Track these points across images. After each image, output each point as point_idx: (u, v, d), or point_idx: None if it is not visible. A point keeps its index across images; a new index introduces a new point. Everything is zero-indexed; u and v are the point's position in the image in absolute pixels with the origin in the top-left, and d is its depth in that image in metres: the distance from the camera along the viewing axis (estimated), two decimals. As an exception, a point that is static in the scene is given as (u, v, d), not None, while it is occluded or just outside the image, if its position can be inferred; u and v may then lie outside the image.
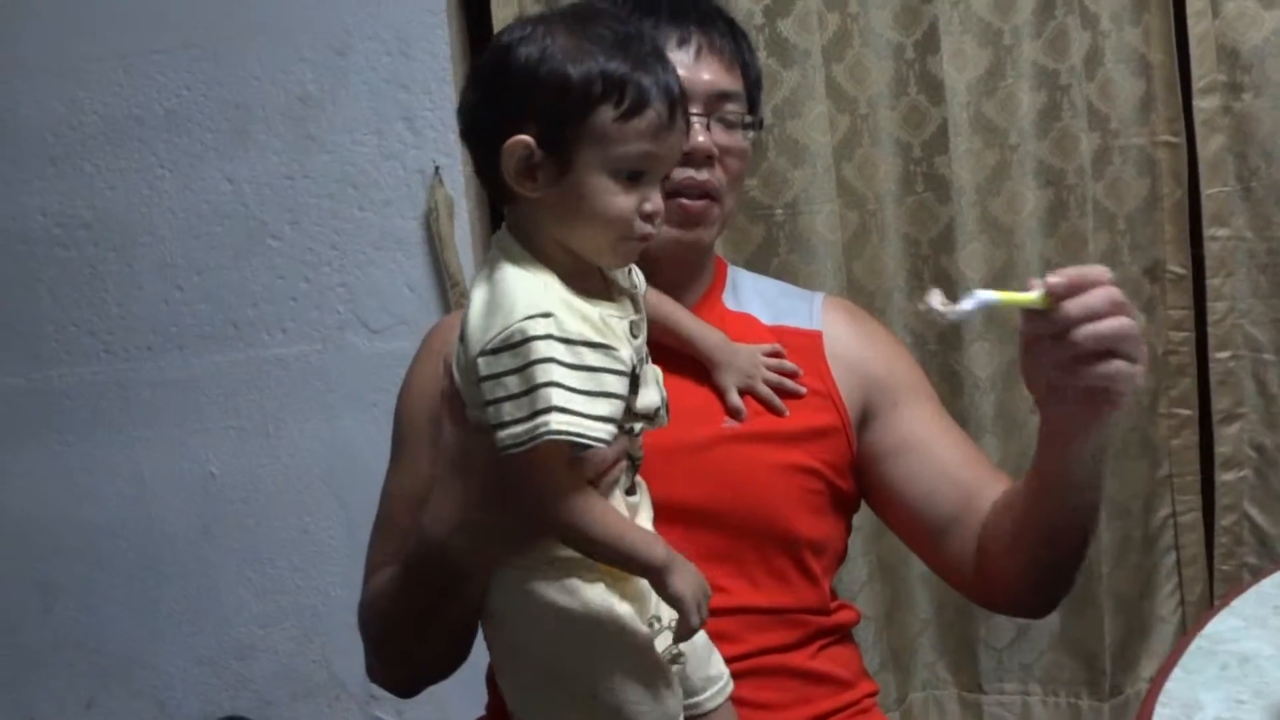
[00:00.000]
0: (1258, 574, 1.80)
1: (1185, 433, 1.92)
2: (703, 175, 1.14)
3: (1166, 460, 1.93)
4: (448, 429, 0.96)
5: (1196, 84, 1.81)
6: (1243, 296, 1.86)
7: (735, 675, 1.03)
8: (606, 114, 0.87)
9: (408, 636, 1.07)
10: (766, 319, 1.22)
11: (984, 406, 1.88)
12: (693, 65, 1.14)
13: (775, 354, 1.17)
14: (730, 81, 1.17)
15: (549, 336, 0.85)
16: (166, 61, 2.07)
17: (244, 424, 2.12)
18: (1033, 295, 0.90)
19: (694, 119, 1.12)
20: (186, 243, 2.10)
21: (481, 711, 1.22)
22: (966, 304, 0.90)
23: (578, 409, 0.84)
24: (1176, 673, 0.90)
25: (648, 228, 0.90)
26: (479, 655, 1.15)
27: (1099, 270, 0.90)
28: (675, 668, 0.96)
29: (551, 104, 0.87)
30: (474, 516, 0.94)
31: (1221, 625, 0.99)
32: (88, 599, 2.20)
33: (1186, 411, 1.91)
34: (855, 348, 1.23)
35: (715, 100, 1.16)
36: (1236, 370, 1.87)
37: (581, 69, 0.87)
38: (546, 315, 0.85)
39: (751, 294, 1.26)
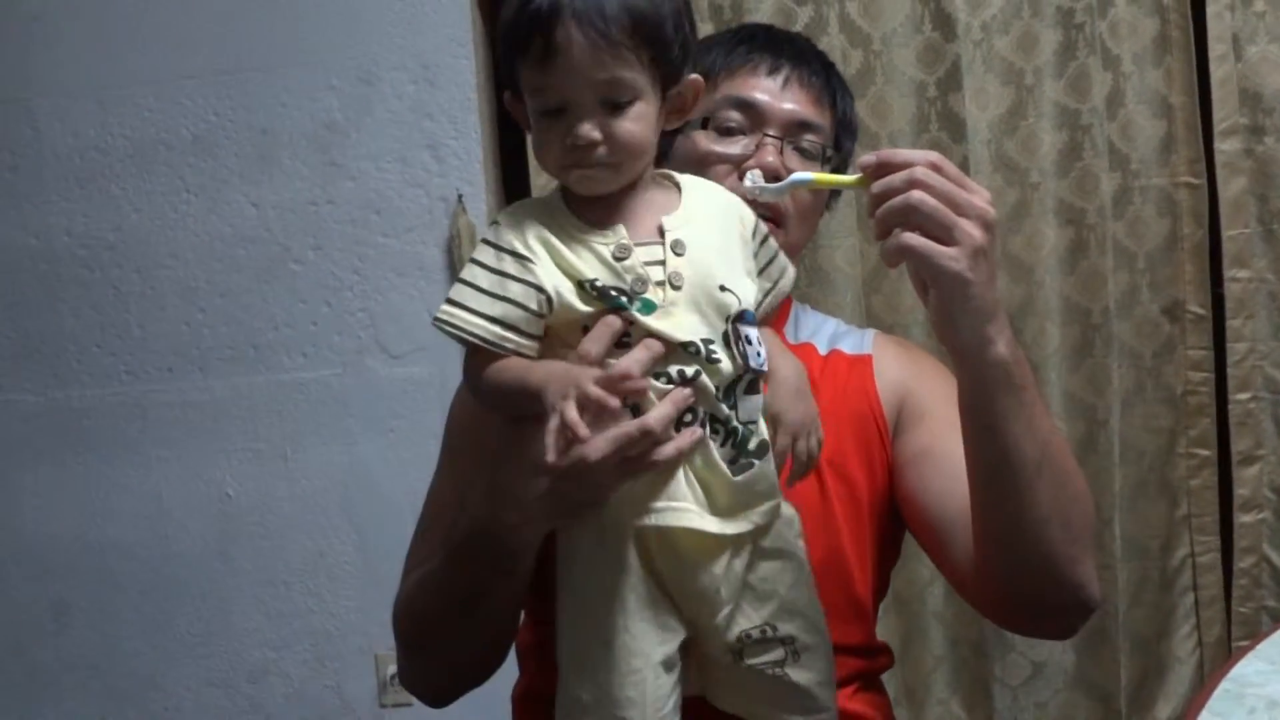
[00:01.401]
0: (1279, 617, 1.80)
1: (1204, 473, 1.92)
2: None
3: (1185, 500, 1.92)
4: None
5: (1218, 126, 1.82)
6: (1263, 338, 1.86)
7: None
8: (516, 60, 0.92)
9: (453, 625, 1.05)
10: (822, 349, 1.24)
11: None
12: (778, 92, 1.19)
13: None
14: (814, 114, 1.20)
15: (484, 240, 0.95)
16: (195, 87, 2.10)
17: (262, 447, 2.13)
18: (850, 177, 0.96)
19: (769, 141, 1.16)
20: (209, 266, 2.12)
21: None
22: (781, 183, 1.00)
23: (468, 303, 0.92)
24: (1204, 715, 0.90)
25: (576, 157, 0.92)
26: (498, 682, 1.15)
27: (915, 152, 0.92)
28: (776, 672, 0.96)
29: (501, 62, 0.96)
30: (527, 487, 0.93)
31: (1248, 668, 0.98)
32: (101, 619, 2.20)
33: (1205, 452, 1.91)
34: (900, 367, 1.24)
35: (794, 127, 1.18)
36: (1256, 412, 1.87)
37: (502, 23, 0.93)
38: (495, 223, 0.96)
39: (811, 329, 1.27)
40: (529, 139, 1.97)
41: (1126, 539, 1.90)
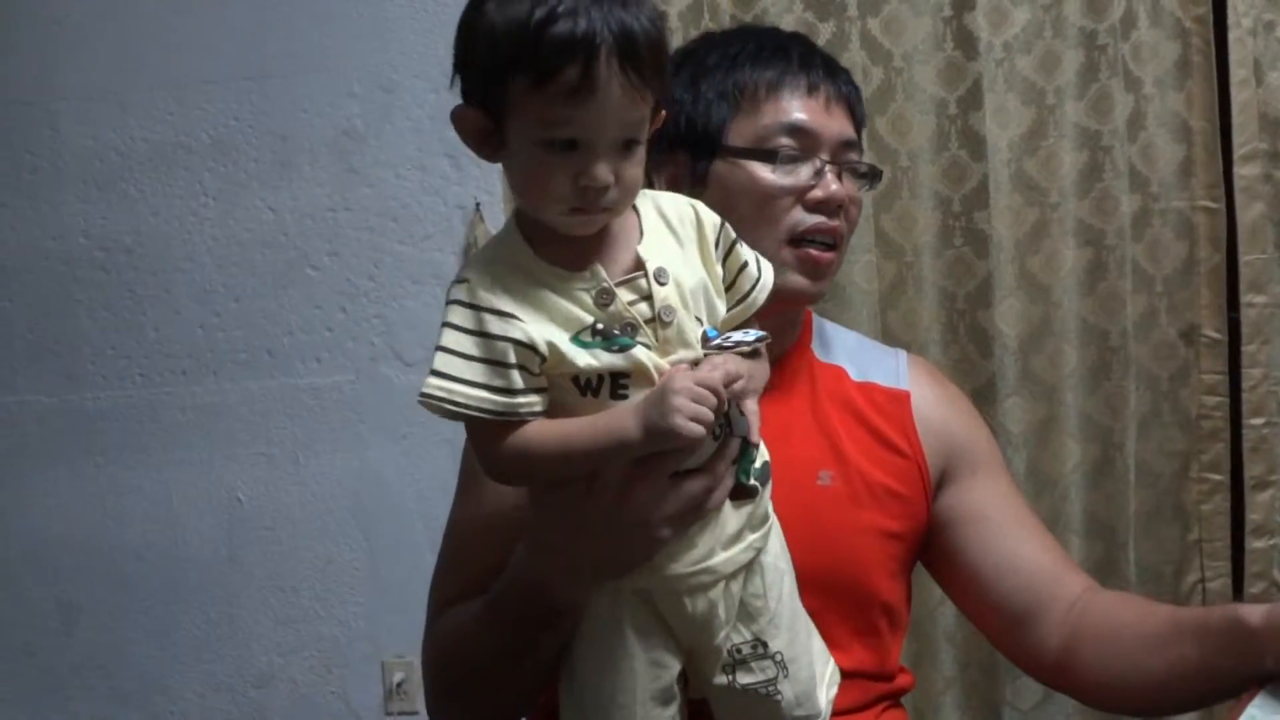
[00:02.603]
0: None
1: (1216, 498, 1.91)
2: (835, 222, 1.13)
3: (1197, 525, 1.91)
4: None
5: (1237, 151, 1.82)
6: (1278, 364, 1.86)
7: None
8: (520, 83, 0.82)
9: (497, 677, 1.02)
10: (854, 374, 1.21)
11: (1016, 463, 1.87)
12: (824, 114, 1.14)
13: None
14: (852, 131, 1.17)
15: (456, 302, 0.86)
16: (216, 92, 2.10)
17: (274, 451, 2.13)
18: None
19: (828, 168, 1.13)
20: (226, 270, 2.13)
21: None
22: None
23: (460, 374, 0.84)
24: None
25: (586, 199, 0.85)
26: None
27: None
28: (769, 690, 0.94)
29: (476, 76, 0.85)
30: (579, 549, 0.91)
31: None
32: (109, 621, 2.20)
33: (1218, 477, 1.90)
34: (941, 410, 1.22)
35: (842, 148, 1.15)
36: (1270, 437, 1.86)
37: (492, 35, 0.83)
38: (463, 281, 0.87)
39: (838, 346, 1.25)
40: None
41: (1140, 564, 1.89)
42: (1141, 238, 1.88)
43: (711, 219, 0.94)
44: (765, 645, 0.94)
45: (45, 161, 2.16)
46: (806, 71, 1.15)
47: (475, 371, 0.84)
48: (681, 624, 0.92)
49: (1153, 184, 1.86)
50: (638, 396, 0.86)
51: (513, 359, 0.85)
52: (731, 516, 0.92)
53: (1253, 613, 0.99)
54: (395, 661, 2.10)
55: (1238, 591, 1.90)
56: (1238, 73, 1.81)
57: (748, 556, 0.93)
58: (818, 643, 1.01)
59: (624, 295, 0.87)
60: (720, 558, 0.92)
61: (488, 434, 0.87)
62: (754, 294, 0.96)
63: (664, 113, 0.91)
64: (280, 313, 2.11)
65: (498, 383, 0.85)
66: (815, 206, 1.11)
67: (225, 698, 2.17)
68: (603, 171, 0.84)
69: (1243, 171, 1.82)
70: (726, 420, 0.90)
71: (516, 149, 0.86)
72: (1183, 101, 1.84)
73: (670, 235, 0.92)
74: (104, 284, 2.17)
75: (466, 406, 0.85)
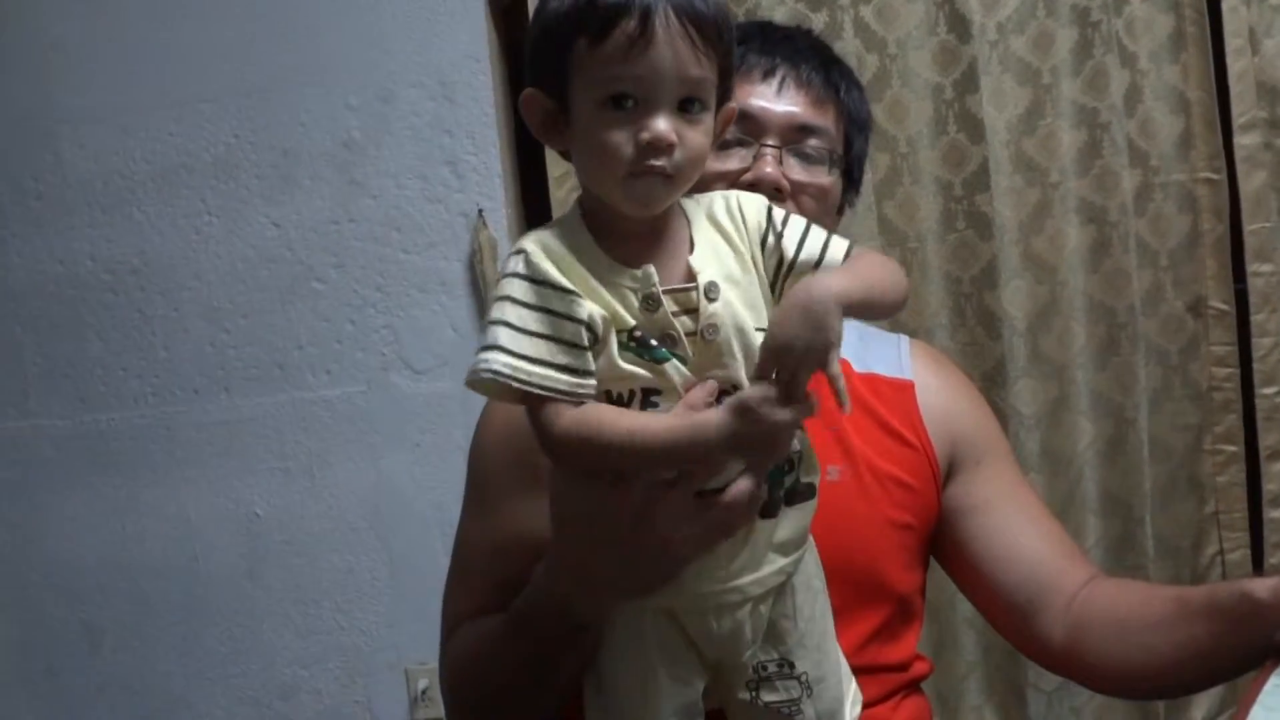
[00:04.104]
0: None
1: (1231, 469, 1.91)
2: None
3: (1213, 498, 1.91)
4: (560, 478, 0.90)
5: (1236, 121, 1.82)
6: (1288, 332, 1.85)
7: None
8: (581, 46, 0.84)
9: (520, 695, 1.01)
10: (856, 365, 1.19)
11: (1029, 444, 1.88)
12: (774, 96, 1.12)
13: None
14: (814, 115, 1.14)
15: (514, 274, 0.85)
16: (215, 110, 2.11)
17: (289, 465, 2.13)
18: None
19: (766, 150, 1.11)
20: (233, 286, 2.13)
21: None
22: None
23: (524, 351, 0.83)
24: (1256, 710, 0.89)
25: (648, 158, 0.84)
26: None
27: None
28: (791, 711, 0.93)
29: (541, 54, 0.87)
30: (599, 568, 0.89)
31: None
32: (132, 640, 2.21)
33: (1232, 448, 1.90)
34: (945, 399, 1.21)
35: (792, 132, 1.12)
36: (1283, 406, 1.86)
37: (555, 10, 0.85)
38: (519, 252, 0.86)
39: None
40: (548, 153, 1.98)
41: (1158, 538, 1.89)
42: (1144, 213, 1.87)
43: (755, 212, 0.91)
44: (792, 665, 0.93)
45: (48, 186, 2.17)
46: (765, 55, 1.14)
47: (538, 348, 0.83)
48: (707, 642, 0.91)
49: (1153, 158, 1.86)
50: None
51: (571, 337, 0.83)
52: (762, 538, 0.90)
53: (1260, 586, 0.99)
54: (419, 668, 2.11)
55: (1257, 562, 1.90)
56: (1233, 42, 1.80)
57: (778, 580, 0.92)
58: (845, 662, 0.99)
59: (669, 305, 0.85)
60: (748, 579, 0.90)
61: (550, 413, 0.84)
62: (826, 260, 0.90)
63: (731, 104, 0.91)
64: (289, 327, 2.12)
65: (563, 360, 0.83)
66: (747, 191, 1.03)
67: (251, 711, 2.17)
68: (663, 125, 0.83)
69: (1243, 141, 1.82)
70: None
71: (580, 119, 0.86)
72: (1179, 74, 1.84)
73: (723, 240, 0.90)
74: (112, 305, 2.18)
75: (533, 385, 0.83)
